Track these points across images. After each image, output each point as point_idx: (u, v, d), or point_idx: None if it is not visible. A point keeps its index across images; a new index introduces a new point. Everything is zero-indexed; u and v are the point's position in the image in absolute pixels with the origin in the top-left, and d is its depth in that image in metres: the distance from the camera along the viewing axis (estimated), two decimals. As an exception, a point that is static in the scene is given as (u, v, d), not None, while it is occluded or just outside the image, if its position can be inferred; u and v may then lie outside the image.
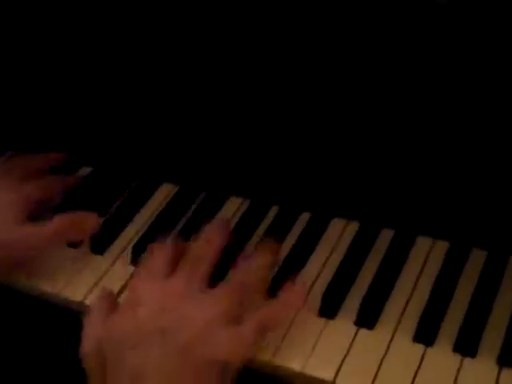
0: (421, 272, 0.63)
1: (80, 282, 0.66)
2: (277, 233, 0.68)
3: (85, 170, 0.78)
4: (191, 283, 0.57)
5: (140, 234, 0.70)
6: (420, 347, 0.57)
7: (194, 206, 0.72)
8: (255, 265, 0.60)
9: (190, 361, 0.53)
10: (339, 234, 0.67)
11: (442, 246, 0.65)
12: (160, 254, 0.60)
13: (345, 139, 0.65)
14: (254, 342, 0.55)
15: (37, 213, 0.69)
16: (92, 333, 0.56)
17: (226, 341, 0.54)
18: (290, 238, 0.68)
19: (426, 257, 0.64)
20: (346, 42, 0.61)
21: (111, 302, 0.59)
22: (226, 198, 0.72)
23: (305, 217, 0.69)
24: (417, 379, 0.55)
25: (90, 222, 0.68)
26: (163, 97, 0.72)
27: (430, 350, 0.57)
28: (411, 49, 0.59)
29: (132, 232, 0.71)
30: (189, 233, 0.68)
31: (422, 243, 0.65)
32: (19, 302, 0.69)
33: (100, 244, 0.69)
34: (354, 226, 0.67)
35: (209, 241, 0.61)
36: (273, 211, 0.70)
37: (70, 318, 0.64)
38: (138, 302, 0.56)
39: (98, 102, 0.75)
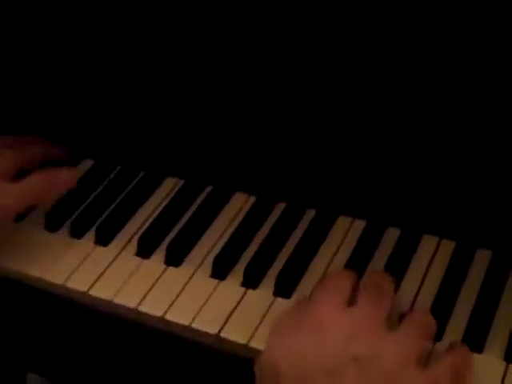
0: (427, 271, 0.63)
1: (84, 274, 0.65)
2: (282, 230, 0.68)
3: (88, 163, 0.77)
4: (378, 317, 0.54)
5: (145, 226, 0.69)
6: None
7: (199, 201, 0.72)
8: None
9: None
10: (345, 232, 0.67)
11: (449, 246, 0.65)
12: (343, 279, 0.57)
13: (351, 136, 0.66)
14: None
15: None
16: (278, 343, 0.53)
17: (425, 380, 0.51)
18: (295, 235, 0.68)
19: (432, 256, 0.65)
20: (348, 36, 0.61)
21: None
22: (232, 193, 0.72)
23: (310, 214, 0.69)
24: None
25: (66, 179, 0.68)
26: (170, 90, 0.72)
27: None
28: (413, 43, 0.60)
29: (137, 224, 0.70)
30: (195, 227, 0.69)
31: (428, 242, 0.66)
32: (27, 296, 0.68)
33: (104, 235, 0.68)
34: (360, 224, 0.68)
35: (384, 277, 0.58)
36: (279, 208, 0.70)
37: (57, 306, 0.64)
38: (321, 326, 0.53)
39: (103, 94, 0.75)
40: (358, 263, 0.64)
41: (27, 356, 0.74)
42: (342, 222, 0.68)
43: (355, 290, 0.57)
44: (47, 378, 0.81)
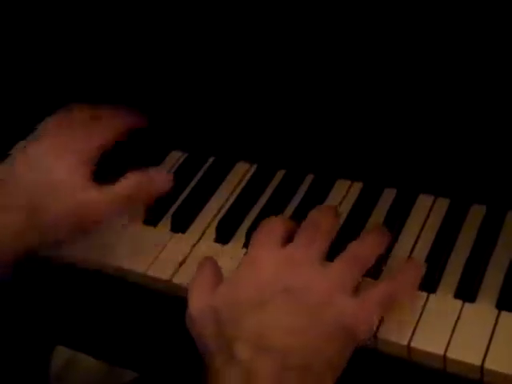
0: (423, 227, 0.65)
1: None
2: (282, 194, 0.70)
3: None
4: (311, 253, 0.57)
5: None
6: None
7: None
8: (370, 245, 0.59)
9: (319, 322, 0.53)
10: (344, 195, 0.69)
11: (443, 203, 0.67)
12: (276, 224, 0.60)
13: (346, 99, 0.67)
14: (377, 314, 0.55)
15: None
16: (200, 293, 0.56)
17: (352, 308, 0.53)
18: (295, 199, 0.70)
19: (428, 213, 0.66)
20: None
21: (216, 268, 0.59)
22: (234, 163, 0.74)
23: (309, 179, 0.71)
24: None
25: (163, 181, 0.67)
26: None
27: (432, 297, 0.59)
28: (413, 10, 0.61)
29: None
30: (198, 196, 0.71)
31: (424, 200, 0.67)
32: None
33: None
34: (357, 186, 0.70)
35: (325, 215, 0.60)
36: (279, 175, 0.73)
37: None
38: (256, 265, 0.56)
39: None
40: (356, 222, 0.66)
41: (56, 329, 0.76)
42: (341, 185, 0.70)
43: (292, 232, 0.59)
44: (77, 350, 0.82)
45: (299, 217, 0.66)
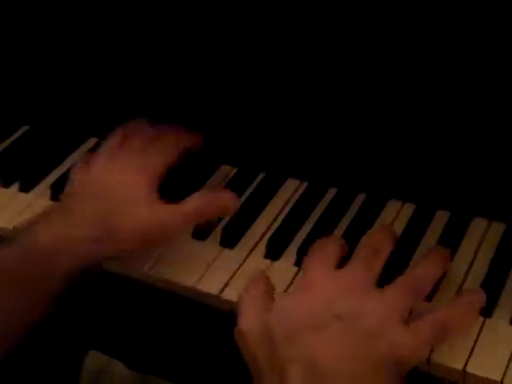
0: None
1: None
2: (334, 214, 0.70)
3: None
4: (367, 277, 0.56)
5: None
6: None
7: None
8: (430, 267, 0.58)
9: (370, 351, 0.52)
10: (395, 216, 0.69)
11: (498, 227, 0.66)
12: (330, 246, 0.59)
13: (396, 118, 0.68)
14: (430, 341, 0.54)
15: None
16: (252, 310, 0.56)
17: (405, 338, 0.53)
18: (346, 218, 0.69)
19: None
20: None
21: (269, 284, 0.59)
22: (285, 179, 0.74)
23: (361, 198, 0.71)
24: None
25: (229, 201, 0.67)
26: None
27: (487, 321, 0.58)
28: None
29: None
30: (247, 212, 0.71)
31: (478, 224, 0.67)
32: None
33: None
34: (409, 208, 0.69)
35: (382, 238, 0.60)
36: (330, 193, 0.72)
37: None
38: (312, 288, 0.56)
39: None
40: (409, 244, 0.65)
41: (89, 334, 0.77)
42: (392, 205, 0.70)
43: (345, 257, 0.59)
44: (109, 355, 0.83)
45: (350, 236, 0.66)
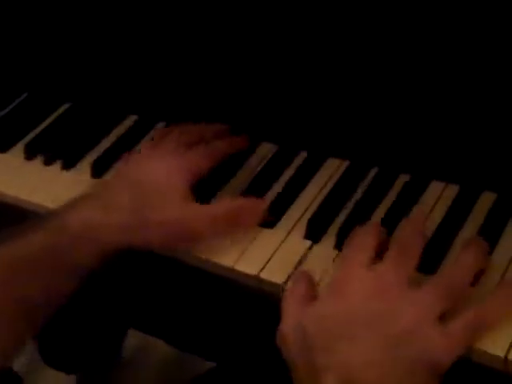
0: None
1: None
2: (375, 195, 0.69)
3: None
4: (401, 275, 0.55)
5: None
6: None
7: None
8: (467, 265, 0.56)
9: (401, 355, 0.52)
10: (437, 197, 0.67)
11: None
12: (368, 239, 0.59)
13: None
14: (465, 341, 0.53)
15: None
16: (294, 313, 0.56)
17: (439, 339, 0.52)
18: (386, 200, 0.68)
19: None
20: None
21: (312, 284, 0.59)
22: (325, 158, 0.73)
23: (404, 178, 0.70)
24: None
25: (259, 208, 0.67)
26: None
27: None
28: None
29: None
30: (288, 192, 0.70)
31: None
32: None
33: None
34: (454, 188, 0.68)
35: (415, 232, 0.59)
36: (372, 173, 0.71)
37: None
38: (346, 289, 0.56)
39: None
40: (450, 228, 0.64)
41: (130, 313, 0.77)
42: (435, 187, 0.68)
43: (383, 245, 0.58)
44: (150, 335, 0.83)
45: (391, 219, 0.65)
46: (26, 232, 0.62)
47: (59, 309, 0.63)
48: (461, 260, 0.57)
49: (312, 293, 0.58)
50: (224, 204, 0.66)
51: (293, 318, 0.56)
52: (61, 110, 0.87)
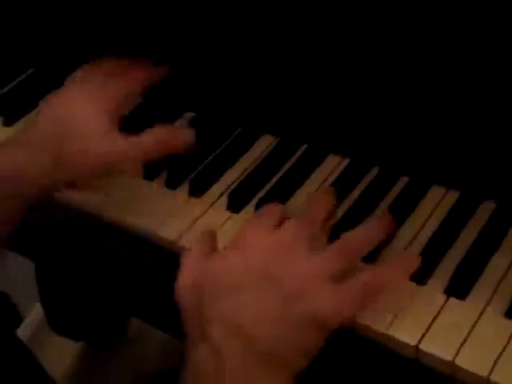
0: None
1: (175, 223, 0.67)
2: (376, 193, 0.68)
3: (188, 115, 0.79)
4: (300, 236, 0.56)
5: (238, 181, 0.71)
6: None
7: (293, 159, 0.72)
8: (369, 235, 0.58)
9: (292, 311, 0.53)
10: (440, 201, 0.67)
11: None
12: (274, 209, 0.60)
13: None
14: (357, 303, 0.54)
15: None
16: (191, 268, 0.57)
17: (330, 298, 0.53)
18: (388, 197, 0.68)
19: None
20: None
21: (213, 241, 0.60)
22: (326, 154, 0.72)
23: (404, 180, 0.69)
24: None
25: (186, 135, 0.68)
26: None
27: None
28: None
29: (230, 179, 0.71)
30: (286, 186, 0.70)
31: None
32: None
33: (199, 187, 0.70)
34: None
35: (318, 204, 0.60)
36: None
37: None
38: (244, 245, 0.57)
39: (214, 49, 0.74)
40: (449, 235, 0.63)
41: (130, 301, 0.77)
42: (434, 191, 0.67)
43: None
44: (149, 323, 0.83)
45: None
46: None
47: (68, 276, 0.64)
48: (363, 227, 0.58)
49: (214, 251, 0.58)
50: (152, 132, 0.66)
51: (190, 271, 0.57)
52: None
